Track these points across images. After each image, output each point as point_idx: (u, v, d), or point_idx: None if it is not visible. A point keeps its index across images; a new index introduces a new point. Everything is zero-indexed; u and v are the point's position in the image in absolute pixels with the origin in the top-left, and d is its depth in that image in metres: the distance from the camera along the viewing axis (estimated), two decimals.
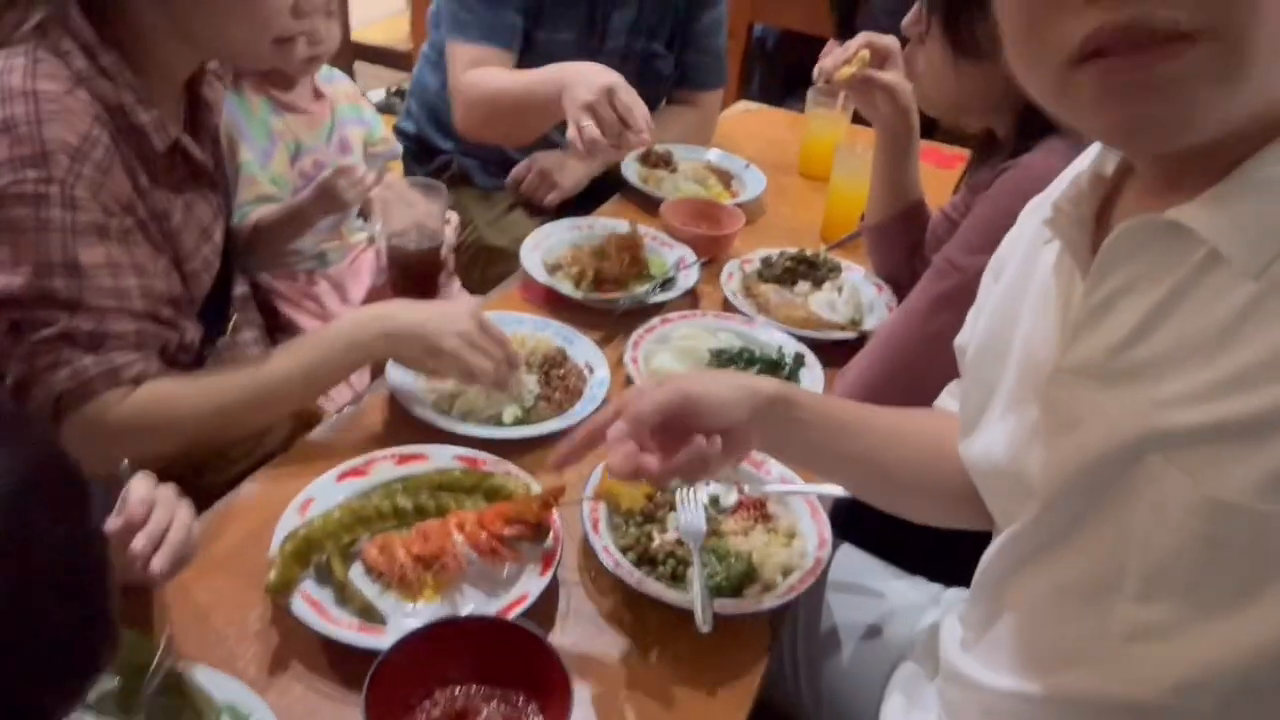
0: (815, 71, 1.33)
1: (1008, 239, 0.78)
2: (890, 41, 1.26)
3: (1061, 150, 0.91)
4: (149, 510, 0.73)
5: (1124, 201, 0.62)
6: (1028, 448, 0.65)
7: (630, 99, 1.37)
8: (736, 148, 1.88)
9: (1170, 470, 0.52)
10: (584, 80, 1.39)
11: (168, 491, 0.77)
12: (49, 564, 0.41)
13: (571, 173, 1.72)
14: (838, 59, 1.27)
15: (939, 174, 1.71)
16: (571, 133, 1.38)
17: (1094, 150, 0.67)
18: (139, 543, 0.71)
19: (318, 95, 1.34)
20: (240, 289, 1.21)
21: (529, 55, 1.65)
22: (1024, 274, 0.71)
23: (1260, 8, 0.46)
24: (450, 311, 1.03)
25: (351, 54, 3.93)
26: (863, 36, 1.27)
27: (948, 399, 0.87)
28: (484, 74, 1.60)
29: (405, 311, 1.02)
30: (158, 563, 0.71)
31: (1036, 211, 0.75)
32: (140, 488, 0.75)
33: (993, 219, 0.96)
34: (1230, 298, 0.51)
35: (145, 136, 0.91)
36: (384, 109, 3.75)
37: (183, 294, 1.00)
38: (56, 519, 0.42)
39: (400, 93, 3.71)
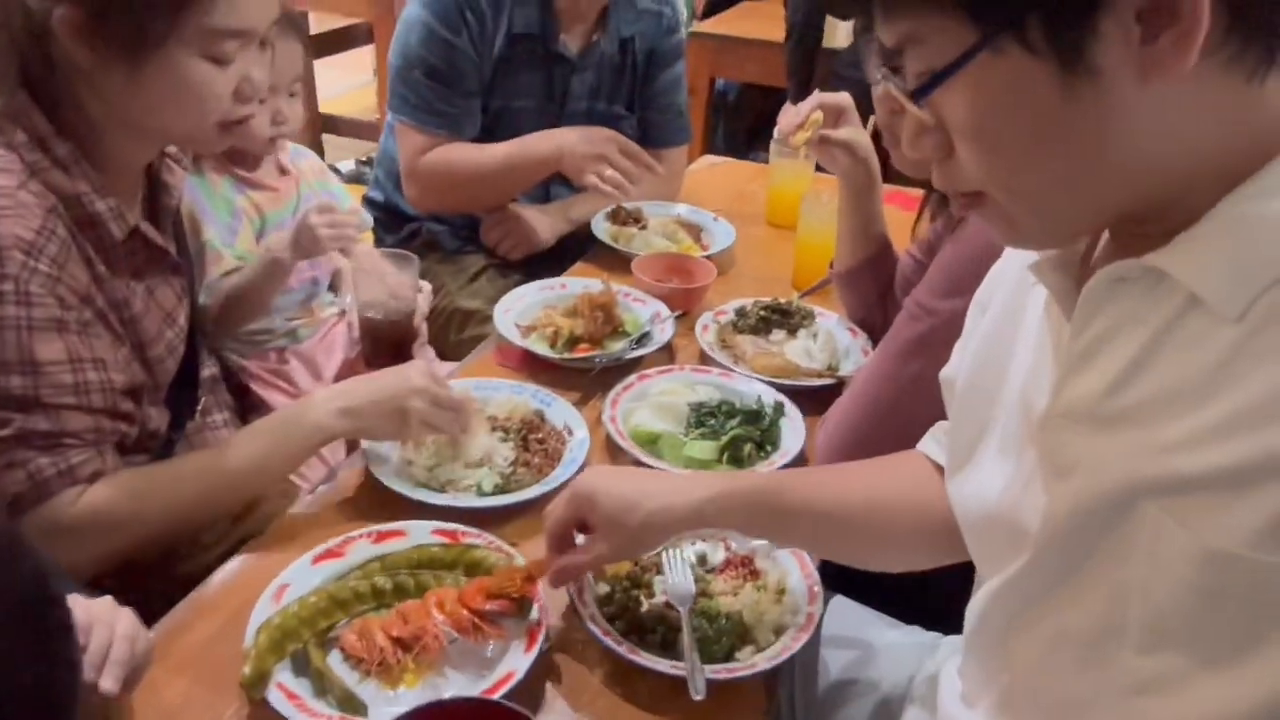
0: (775, 132, 1.35)
1: (993, 273, 0.78)
2: (842, 99, 1.29)
3: None
4: (86, 636, 0.69)
5: (1104, 245, 0.63)
6: (1023, 493, 0.64)
7: (629, 143, 1.55)
8: (704, 201, 1.90)
9: (1164, 519, 0.52)
10: (585, 138, 1.56)
11: (103, 606, 0.73)
12: (19, 698, 0.39)
13: (545, 227, 1.73)
14: (792, 122, 1.29)
15: (903, 216, 1.73)
16: (590, 180, 1.55)
17: None
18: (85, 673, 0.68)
19: (283, 172, 1.34)
20: (208, 371, 1.19)
21: (489, 124, 1.67)
22: (1012, 310, 0.71)
23: (1007, 185, 0.54)
24: (404, 373, 1.02)
25: (319, 126, 3.96)
26: (815, 98, 1.29)
27: (931, 443, 0.87)
28: (445, 153, 1.63)
29: (361, 384, 1.01)
30: (106, 683, 0.68)
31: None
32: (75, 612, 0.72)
33: (960, 262, 0.96)
34: (1212, 342, 0.51)
35: (103, 225, 0.90)
36: (353, 179, 3.77)
37: (146, 382, 0.98)
38: (32, 656, 0.40)
39: (369, 162, 3.73)
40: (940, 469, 0.82)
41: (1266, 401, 0.48)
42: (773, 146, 1.84)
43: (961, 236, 0.98)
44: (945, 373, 0.82)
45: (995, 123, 0.52)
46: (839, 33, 2.94)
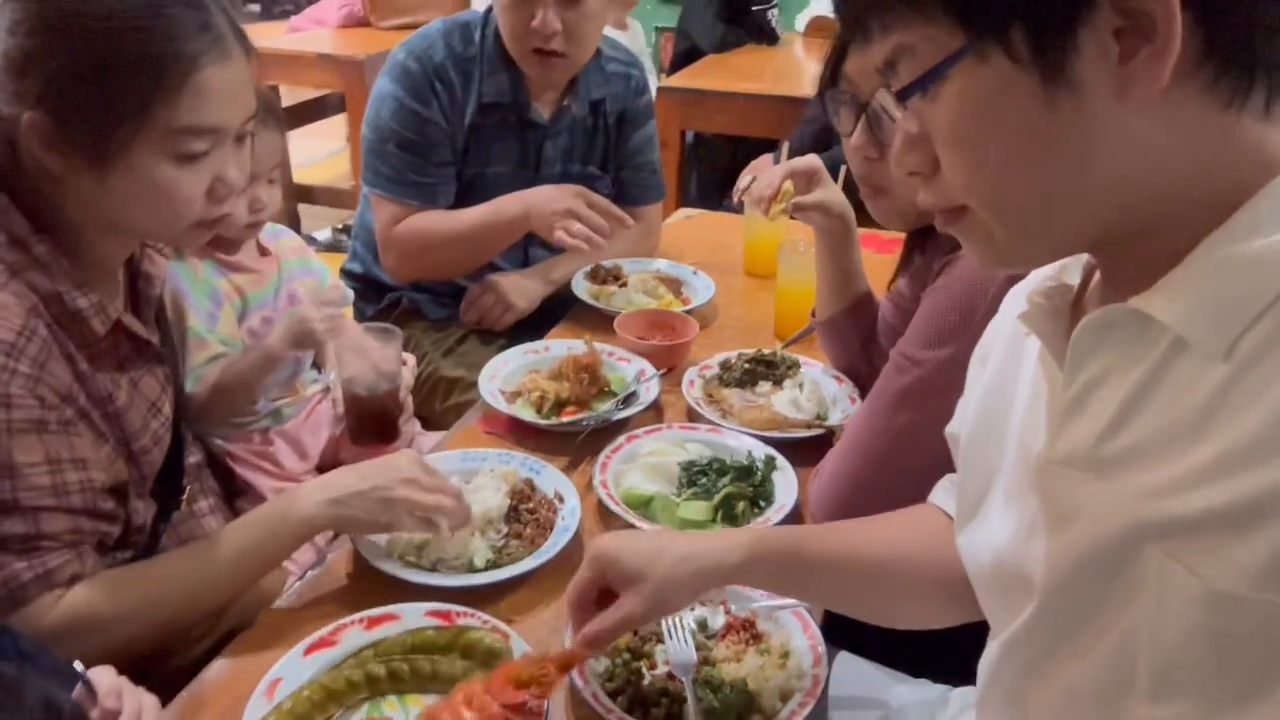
0: (743, 195, 1.37)
1: (991, 326, 0.78)
2: (810, 162, 1.31)
3: None
4: (119, 698, 0.70)
5: (1092, 291, 0.63)
6: (1026, 542, 0.63)
7: (596, 196, 1.55)
8: (682, 254, 1.91)
9: (1167, 562, 0.51)
10: (551, 196, 1.56)
11: (127, 683, 0.74)
12: None
13: (525, 293, 1.73)
14: (764, 195, 1.31)
15: (880, 259, 1.75)
16: (559, 236, 1.53)
17: None
18: None
19: (263, 253, 1.34)
20: (194, 458, 1.17)
21: (465, 192, 1.68)
22: (1011, 360, 0.72)
23: (990, 197, 0.56)
24: (390, 461, 1.00)
25: (295, 197, 3.97)
26: (784, 168, 1.32)
27: (942, 495, 0.86)
28: (418, 222, 1.64)
29: (346, 475, 0.99)
30: None
31: (1019, 294, 0.75)
32: (105, 678, 0.72)
33: (944, 311, 0.97)
34: (1201, 382, 0.51)
35: (84, 322, 0.89)
36: (331, 247, 3.78)
37: (130, 476, 0.96)
38: None
39: (346, 230, 3.75)
40: (953, 520, 0.81)
41: (1258, 439, 0.48)
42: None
43: (941, 287, 0.99)
44: (950, 429, 0.82)
45: (979, 130, 0.54)
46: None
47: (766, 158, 3.02)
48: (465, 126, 1.65)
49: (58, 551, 0.86)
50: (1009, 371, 0.71)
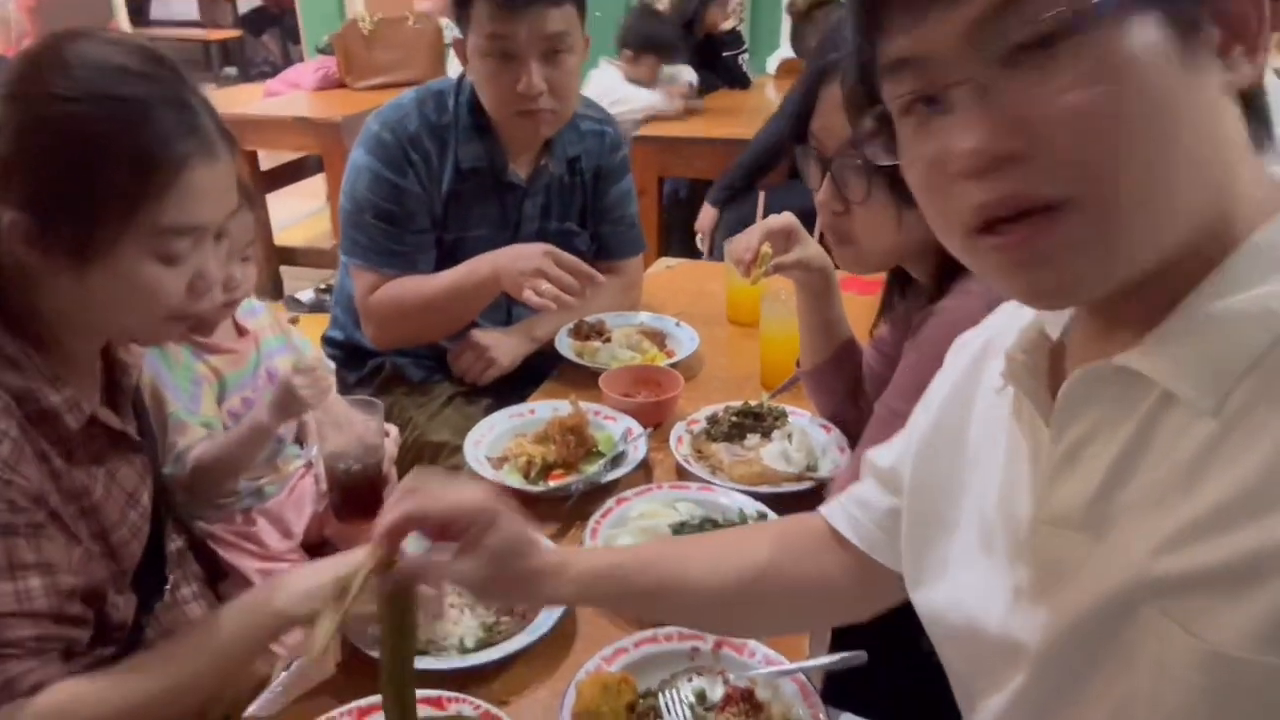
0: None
1: (936, 378, 0.79)
2: (786, 221, 1.31)
3: (977, 291, 0.93)
4: None
5: (1074, 346, 0.63)
6: (1012, 606, 0.62)
7: (564, 255, 1.52)
8: (664, 305, 1.91)
9: (1165, 623, 0.50)
10: (519, 255, 1.54)
11: None
12: None
13: (508, 350, 1.73)
14: (743, 258, 1.31)
15: (862, 300, 1.75)
16: (528, 296, 1.50)
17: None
18: None
19: (241, 332, 1.33)
20: (175, 544, 1.15)
21: (445, 257, 1.68)
22: (957, 412, 0.71)
23: (1122, 171, 0.49)
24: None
25: (276, 260, 3.97)
26: (761, 229, 1.31)
27: (840, 514, 0.85)
28: (393, 288, 1.64)
29: (328, 566, 0.94)
30: None
31: (965, 349, 0.76)
32: None
33: (927, 363, 0.95)
34: (1192, 437, 0.51)
35: (58, 418, 0.88)
36: (315, 307, 3.77)
37: (109, 571, 0.94)
38: None
39: (329, 289, 3.74)
40: (837, 535, 0.83)
41: (1250, 494, 0.48)
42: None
43: (923, 340, 0.99)
44: (881, 461, 0.82)
45: (1134, 79, 0.48)
46: None
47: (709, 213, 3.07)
48: (443, 193, 1.66)
49: (19, 659, 0.83)
50: (955, 424, 0.70)
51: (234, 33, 8.74)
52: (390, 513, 0.75)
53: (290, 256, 4.09)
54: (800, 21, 3.58)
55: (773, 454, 1.35)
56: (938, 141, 0.53)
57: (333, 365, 1.53)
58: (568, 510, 1.24)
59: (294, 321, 1.84)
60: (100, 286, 0.86)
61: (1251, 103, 0.53)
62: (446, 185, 1.65)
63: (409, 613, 0.77)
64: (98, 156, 0.82)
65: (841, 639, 1.03)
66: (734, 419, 1.42)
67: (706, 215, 3.13)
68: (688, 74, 3.68)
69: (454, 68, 3.07)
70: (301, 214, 4.80)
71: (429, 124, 1.63)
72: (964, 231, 0.54)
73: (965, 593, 0.67)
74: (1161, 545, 0.51)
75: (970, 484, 0.70)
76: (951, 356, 0.78)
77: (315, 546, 1.39)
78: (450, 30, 3.07)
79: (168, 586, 1.10)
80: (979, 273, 0.56)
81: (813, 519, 0.88)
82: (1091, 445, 0.56)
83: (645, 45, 3.50)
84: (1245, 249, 0.51)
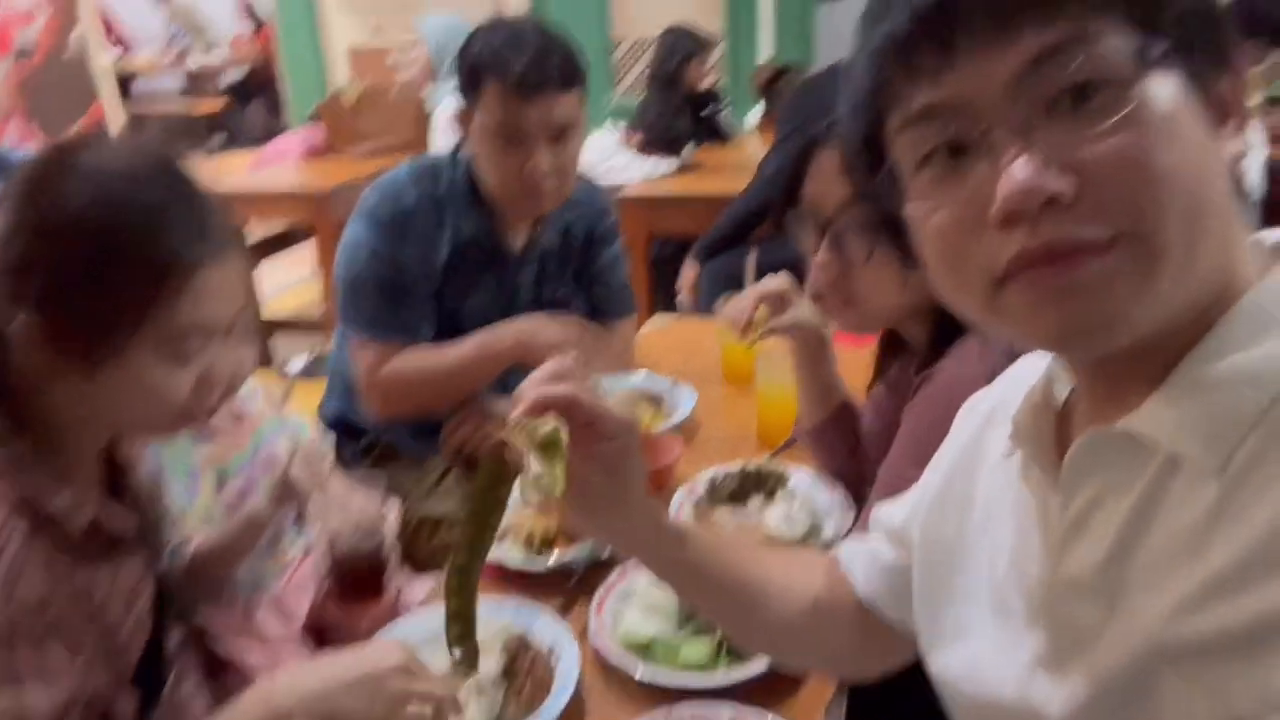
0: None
1: (947, 439, 0.79)
2: (779, 284, 1.32)
3: (975, 353, 0.94)
4: None
5: (1078, 411, 0.63)
6: (1031, 675, 0.61)
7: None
8: (659, 365, 1.91)
9: (1185, 687, 0.50)
10: (544, 327, 1.60)
11: None
12: None
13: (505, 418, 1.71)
14: (738, 322, 1.32)
15: (855, 354, 1.75)
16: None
17: (1035, 361, 0.69)
18: None
19: (238, 418, 1.32)
20: (175, 637, 1.13)
21: (443, 326, 1.68)
22: (960, 470, 0.72)
23: (1167, 211, 0.49)
24: (377, 650, 0.93)
25: (267, 330, 3.97)
26: (755, 294, 1.32)
27: (857, 566, 0.84)
28: (403, 362, 1.63)
29: (331, 663, 0.91)
30: None
31: (973, 412, 0.77)
32: None
33: (927, 428, 0.96)
34: (1199, 499, 0.51)
35: (61, 520, 0.87)
36: (307, 374, 3.75)
37: (111, 672, 0.92)
38: None
39: (321, 357, 3.73)
40: (846, 584, 0.83)
41: (1256, 555, 0.48)
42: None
43: (922, 403, 0.99)
44: (890, 517, 0.82)
45: (1172, 128, 0.50)
46: None
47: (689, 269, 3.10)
48: (441, 264, 1.66)
49: None
50: (963, 487, 0.71)
51: (220, 101, 8.86)
52: (545, 386, 0.70)
53: (281, 326, 4.09)
54: (765, 92, 3.69)
55: (776, 517, 1.34)
56: (968, 189, 0.53)
57: (328, 448, 1.51)
58: (572, 586, 1.23)
59: (287, 392, 1.83)
60: (110, 387, 0.86)
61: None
62: (444, 256, 1.66)
63: (501, 502, 0.72)
64: (111, 262, 0.83)
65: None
66: (735, 482, 1.42)
67: (689, 273, 3.16)
68: (689, 150, 3.78)
69: (438, 137, 3.10)
70: (290, 283, 4.81)
71: (425, 196, 1.64)
72: (988, 281, 0.53)
73: (981, 659, 0.67)
74: (1177, 609, 0.51)
75: (979, 548, 0.69)
76: (960, 419, 0.78)
77: (316, 631, 1.36)
78: (447, 104, 3.09)
79: (169, 682, 1.08)
80: (996, 326, 0.55)
81: (827, 557, 0.88)
82: (1100, 509, 0.56)
83: (659, 140, 3.61)
84: (1237, 311, 0.53)
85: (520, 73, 1.48)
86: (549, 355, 1.50)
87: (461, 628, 0.75)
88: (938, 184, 0.55)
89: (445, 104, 3.16)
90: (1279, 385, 0.50)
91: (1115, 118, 0.49)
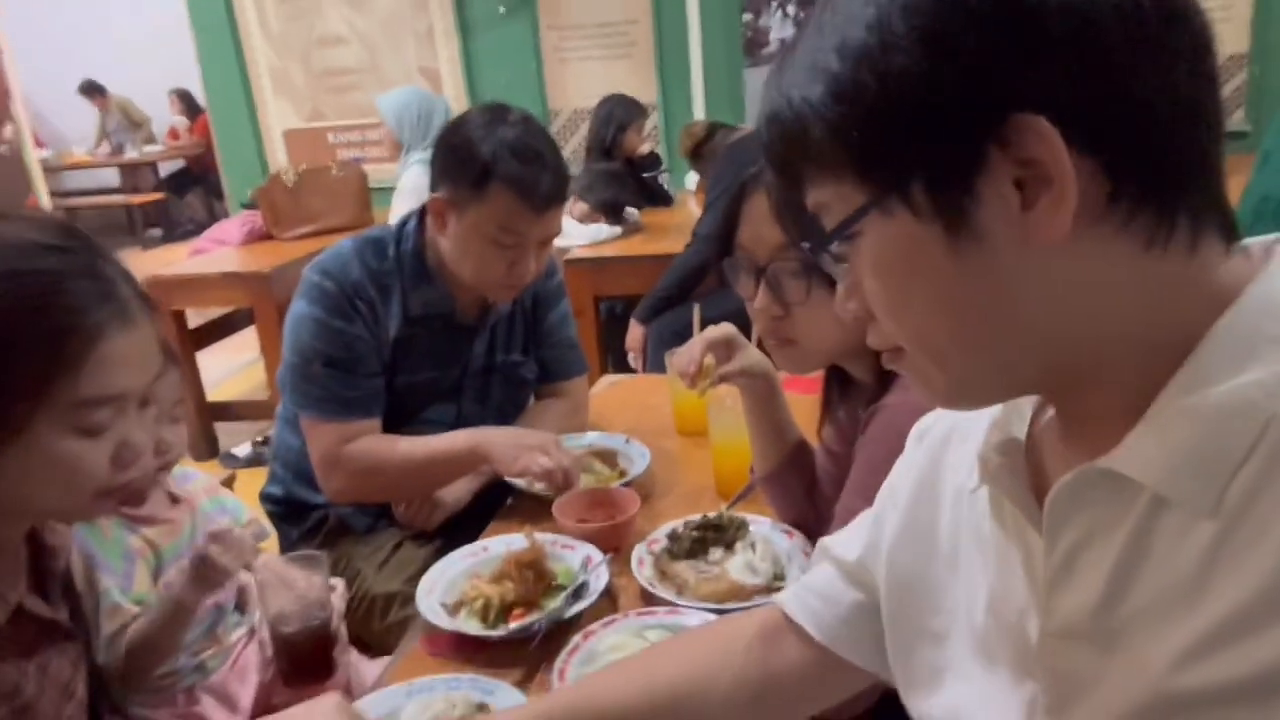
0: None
1: (897, 469, 0.77)
2: (725, 331, 1.33)
3: None
4: None
5: (1048, 444, 0.61)
6: None
7: (561, 450, 1.55)
8: (612, 423, 1.89)
9: None
10: (511, 438, 1.56)
11: None
12: None
13: (452, 489, 1.68)
14: (687, 371, 1.32)
15: (805, 399, 1.75)
16: (523, 467, 1.52)
17: None
18: None
19: (174, 500, 1.27)
20: None
21: (395, 401, 1.65)
22: (930, 504, 0.70)
23: (913, 343, 0.56)
24: (319, 708, 0.88)
25: (209, 417, 3.87)
26: (702, 343, 1.32)
27: (795, 603, 0.81)
28: (373, 446, 1.59)
29: None
30: None
31: (925, 436, 0.75)
32: None
33: (881, 462, 0.95)
34: (1192, 540, 0.49)
35: None
36: (252, 461, 3.65)
37: None
38: None
39: (265, 441, 3.64)
40: (793, 624, 0.80)
41: (1262, 599, 0.45)
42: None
43: (873, 438, 0.98)
44: (844, 551, 0.79)
45: (896, 281, 0.54)
46: None
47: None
48: (390, 339, 1.64)
49: None
50: (926, 521, 0.69)
51: (156, 196, 8.79)
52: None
53: (224, 412, 3.98)
54: (697, 150, 3.78)
55: (738, 566, 1.31)
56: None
57: (269, 527, 1.46)
58: (533, 652, 1.18)
59: (230, 480, 1.77)
60: (15, 467, 0.81)
61: (1152, 200, 0.50)
62: (394, 331, 1.63)
63: None
64: (5, 334, 0.79)
65: None
66: (695, 534, 1.39)
67: (634, 333, 3.17)
68: (633, 214, 3.83)
69: (401, 203, 3.08)
70: (233, 368, 4.72)
71: (370, 271, 1.62)
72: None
73: (967, 705, 0.64)
74: (1181, 658, 0.48)
75: (951, 586, 0.68)
76: (912, 445, 0.77)
77: (266, 715, 1.29)
78: (414, 173, 3.08)
79: None
80: None
81: (760, 613, 0.85)
82: (1088, 552, 0.54)
83: (603, 208, 3.66)
84: (1212, 339, 0.50)
85: (543, 192, 1.52)
86: (523, 457, 1.51)
87: None
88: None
89: (412, 172, 3.15)
90: (1267, 415, 0.47)
91: (859, 266, 0.56)
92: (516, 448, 1.53)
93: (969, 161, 0.49)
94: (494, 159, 1.51)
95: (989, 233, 0.50)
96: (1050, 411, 0.62)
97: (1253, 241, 0.55)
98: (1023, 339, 0.53)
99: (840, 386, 1.21)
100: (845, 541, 0.80)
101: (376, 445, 1.59)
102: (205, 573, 1.13)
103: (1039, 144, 0.47)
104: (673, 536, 1.40)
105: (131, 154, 8.65)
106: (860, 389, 1.11)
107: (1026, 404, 0.64)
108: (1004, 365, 0.55)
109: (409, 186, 3.11)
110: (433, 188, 1.60)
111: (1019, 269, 0.50)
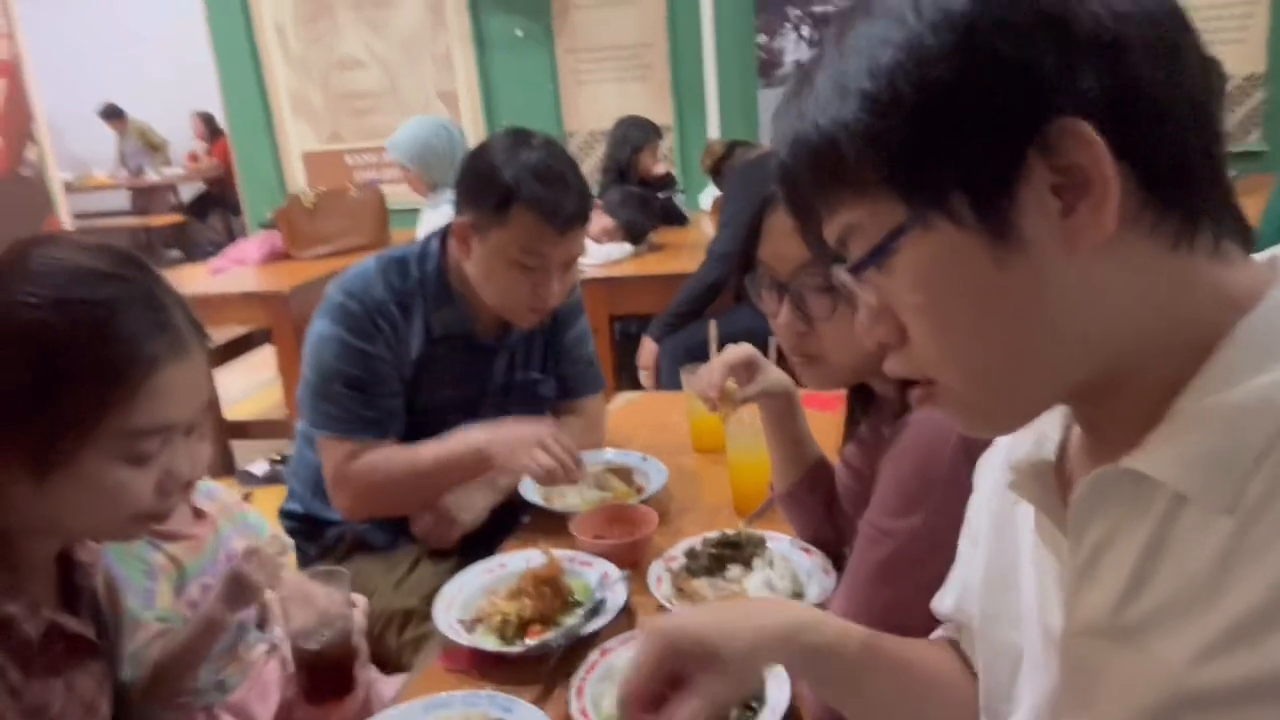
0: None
1: (972, 503, 0.77)
2: (745, 353, 1.33)
3: None
4: None
5: (1075, 448, 0.62)
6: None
7: (563, 436, 1.53)
8: (629, 440, 1.89)
9: None
10: (514, 436, 1.54)
11: None
12: None
13: (470, 506, 1.68)
14: (707, 394, 1.32)
15: (823, 416, 1.75)
16: (525, 464, 1.51)
17: None
18: None
19: (198, 515, 1.27)
20: None
21: (416, 421, 1.66)
22: (1003, 537, 0.69)
23: (952, 365, 0.55)
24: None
25: (226, 434, 3.89)
26: (721, 365, 1.32)
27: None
28: (377, 459, 1.59)
29: None
30: None
31: (991, 470, 0.74)
32: None
33: (906, 479, 0.96)
34: (1211, 537, 0.49)
35: (15, 629, 0.82)
36: (269, 479, 3.67)
37: None
38: None
39: (283, 460, 3.65)
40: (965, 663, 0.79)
41: (1277, 599, 0.46)
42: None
43: (899, 454, 0.98)
44: (942, 607, 0.79)
45: (939, 298, 0.53)
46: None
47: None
48: (413, 359, 1.65)
49: None
50: (1006, 549, 0.68)
51: (175, 218, 8.88)
52: None
53: (241, 430, 4.01)
54: (716, 168, 3.79)
55: (756, 585, 1.31)
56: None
57: (290, 541, 1.46)
58: (550, 669, 1.18)
59: (248, 497, 1.78)
60: (62, 492, 0.82)
61: (1179, 201, 0.51)
62: (416, 351, 1.64)
63: None
64: (62, 364, 0.80)
65: None
66: (713, 551, 1.39)
67: (647, 350, 3.17)
68: (647, 236, 3.85)
69: (396, 230, 3.08)
70: (252, 386, 4.75)
71: (394, 291, 1.63)
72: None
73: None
74: (1199, 654, 0.48)
75: (1024, 605, 0.67)
76: (980, 482, 0.76)
77: None
78: (444, 211, 2.98)
79: None
80: None
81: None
82: (1110, 550, 0.54)
83: (629, 228, 3.67)
84: (1233, 340, 0.51)
85: (566, 213, 1.53)
86: (523, 454, 1.50)
87: None
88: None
89: (442, 210, 3.02)
90: None
91: (896, 288, 0.55)
92: (515, 446, 1.52)
93: (1011, 167, 0.50)
94: (516, 182, 1.52)
95: (1032, 240, 0.50)
96: (1076, 430, 0.62)
97: (1274, 249, 0.56)
98: (1066, 349, 0.53)
99: (864, 403, 1.20)
100: (943, 595, 0.81)
101: (379, 458, 1.60)
102: (238, 590, 1.13)
103: (1079, 148, 0.48)
104: (691, 554, 1.40)
105: (151, 176, 8.76)
106: (884, 405, 1.11)
107: (1053, 428, 0.64)
108: (1045, 378, 0.55)
109: (434, 222, 3.04)
110: (457, 212, 1.62)
111: (1062, 275, 0.51)
